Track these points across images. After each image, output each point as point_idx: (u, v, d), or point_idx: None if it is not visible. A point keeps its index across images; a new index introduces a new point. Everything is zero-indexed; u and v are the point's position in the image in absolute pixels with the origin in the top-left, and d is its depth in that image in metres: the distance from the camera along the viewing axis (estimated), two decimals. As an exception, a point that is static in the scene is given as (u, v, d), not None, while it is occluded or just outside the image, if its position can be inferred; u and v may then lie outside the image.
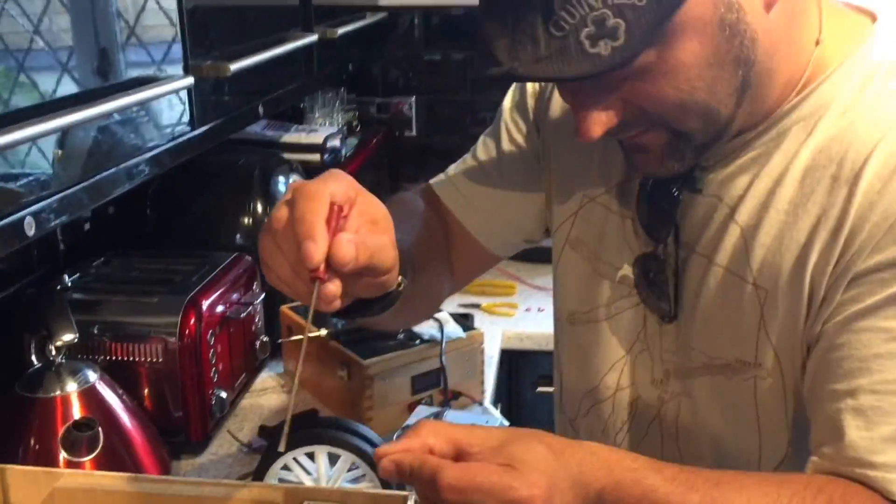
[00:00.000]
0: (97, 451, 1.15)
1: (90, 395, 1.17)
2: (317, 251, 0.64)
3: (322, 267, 0.64)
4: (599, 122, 0.73)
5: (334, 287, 0.66)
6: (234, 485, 1.06)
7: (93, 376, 1.19)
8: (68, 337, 1.13)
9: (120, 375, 1.28)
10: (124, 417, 1.22)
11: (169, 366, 1.30)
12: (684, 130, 0.74)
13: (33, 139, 0.75)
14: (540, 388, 1.83)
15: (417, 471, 0.70)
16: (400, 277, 0.76)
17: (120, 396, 1.23)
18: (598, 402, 0.95)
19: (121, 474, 1.06)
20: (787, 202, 0.77)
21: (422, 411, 1.33)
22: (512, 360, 1.85)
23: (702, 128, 0.74)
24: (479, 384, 1.51)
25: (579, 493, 0.71)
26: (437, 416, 1.30)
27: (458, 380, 1.46)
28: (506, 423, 1.34)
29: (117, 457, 1.18)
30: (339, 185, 0.68)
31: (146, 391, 1.32)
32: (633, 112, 0.74)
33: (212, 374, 1.33)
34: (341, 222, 0.67)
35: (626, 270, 0.88)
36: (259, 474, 1.10)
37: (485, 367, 1.52)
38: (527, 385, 1.87)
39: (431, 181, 1.04)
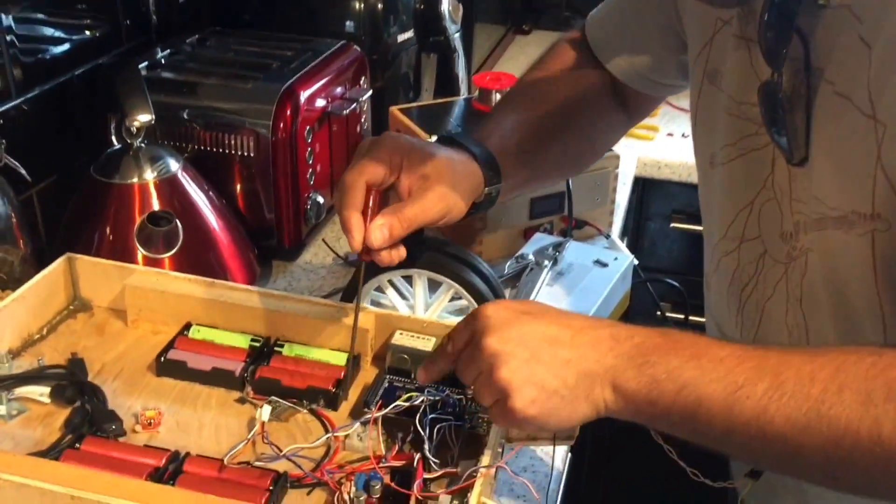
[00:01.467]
0: (176, 248, 1.04)
1: (170, 186, 1.05)
2: (354, 241, 0.78)
3: (362, 250, 0.79)
4: None
5: (385, 255, 0.79)
6: (321, 303, 0.93)
7: (174, 165, 1.06)
8: (144, 117, 0.99)
9: (209, 168, 1.16)
10: (209, 214, 1.10)
11: (261, 161, 1.16)
12: None
13: None
14: (674, 224, 1.63)
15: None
16: (486, 189, 0.86)
17: (205, 191, 1.11)
18: (725, 255, 0.83)
19: (197, 278, 0.95)
20: None
21: (540, 239, 1.17)
22: (646, 190, 1.64)
23: None
24: (608, 214, 1.32)
25: (615, 334, 0.66)
26: (557, 246, 1.13)
27: (583, 207, 1.28)
28: (634, 260, 1.16)
29: (199, 256, 1.06)
30: (377, 165, 0.78)
31: (237, 188, 1.19)
32: None
33: (308, 175, 1.18)
34: (377, 205, 0.79)
35: (753, 104, 0.76)
36: (349, 294, 0.96)
37: (616, 196, 1.33)
38: (660, 219, 1.67)
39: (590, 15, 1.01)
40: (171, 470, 0.75)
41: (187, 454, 0.77)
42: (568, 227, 1.22)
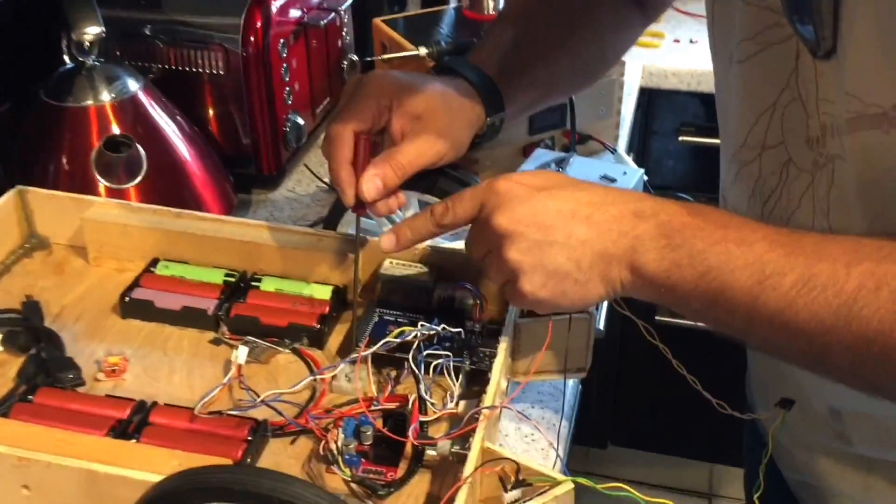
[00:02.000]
0: (140, 177, 0.94)
1: (130, 108, 0.94)
2: (346, 197, 0.72)
3: (357, 205, 0.72)
4: None
5: (381, 207, 0.73)
6: (300, 231, 0.84)
7: (134, 85, 0.96)
8: (93, 30, 0.89)
9: (176, 90, 1.05)
10: (176, 139, 1.00)
11: (233, 80, 1.05)
12: None
13: None
14: (683, 138, 1.53)
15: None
16: (488, 120, 0.79)
17: (172, 114, 1.00)
18: (744, 166, 0.74)
19: (164, 208, 0.85)
20: None
21: (541, 156, 1.07)
22: (651, 103, 1.54)
23: None
24: (613, 127, 1.22)
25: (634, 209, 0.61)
26: (560, 162, 1.04)
27: (587, 120, 1.17)
28: (644, 176, 1.06)
29: (167, 186, 0.97)
30: (364, 110, 0.72)
31: (209, 111, 1.09)
32: None
33: (285, 94, 1.08)
34: (367, 154, 0.72)
35: None
36: (332, 220, 0.87)
37: (621, 107, 1.22)
38: (667, 134, 1.57)
39: None
40: (135, 422, 0.67)
41: (154, 404, 0.69)
42: (571, 142, 1.12)
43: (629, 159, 1.18)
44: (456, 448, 0.64)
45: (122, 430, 0.66)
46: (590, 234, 0.60)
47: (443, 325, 0.71)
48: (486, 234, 0.63)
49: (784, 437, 0.82)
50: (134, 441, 0.65)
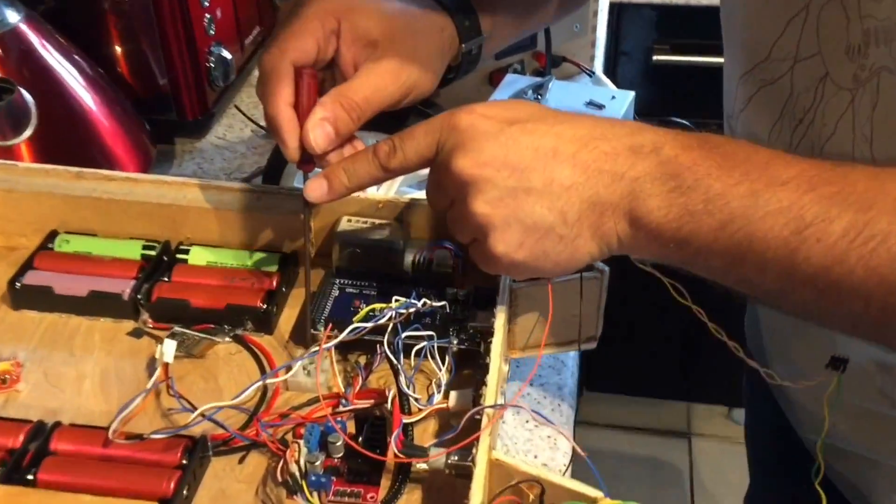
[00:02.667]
0: (29, 130, 0.76)
1: (11, 45, 0.76)
2: (288, 150, 0.56)
3: (302, 159, 0.56)
4: None
5: (333, 159, 0.56)
6: (234, 188, 0.68)
7: (13, 17, 0.78)
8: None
9: (75, 26, 0.87)
10: (76, 83, 0.82)
11: (141, 9, 0.87)
12: None
13: None
14: (657, 57, 1.38)
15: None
16: (462, 46, 0.64)
17: (68, 53, 0.82)
18: (766, 84, 0.61)
19: (59, 168, 0.68)
20: None
21: (513, 82, 0.91)
22: (621, 19, 1.39)
23: None
24: (589, 46, 1.07)
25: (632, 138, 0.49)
26: (538, 89, 0.88)
27: (559, 39, 1.02)
28: (628, 95, 0.91)
29: (67, 141, 0.79)
30: (304, 36, 0.57)
31: (116, 49, 0.90)
32: None
33: (205, 23, 0.90)
34: (313, 93, 0.56)
35: None
36: (273, 172, 0.71)
37: (597, 22, 1.07)
38: (638, 54, 1.42)
39: None
40: (31, 452, 0.51)
41: (57, 424, 0.53)
42: (547, 65, 0.97)
43: (610, 84, 1.03)
44: (454, 459, 0.49)
45: (12, 467, 0.50)
46: (576, 177, 0.48)
47: (424, 300, 0.56)
48: (446, 180, 0.50)
49: (802, 396, 0.70)
50: (28, 482, 0.49)
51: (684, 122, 0.97)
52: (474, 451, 0.47)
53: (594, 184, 0.47)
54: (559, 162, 0.48)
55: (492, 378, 0.51)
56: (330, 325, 0.56)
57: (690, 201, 0.46)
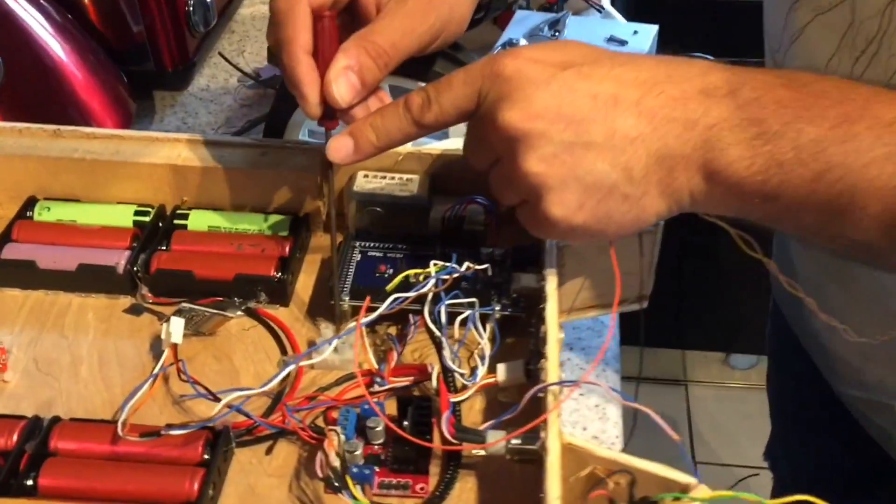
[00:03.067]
0: (-4, 86, 0.68)
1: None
2: (308, 105, 0.49)
3: (324, 115, 0.49)
4: None
5: (359, 114, 0.49)
6: (237, 143, 0.61)
7: (-31, -43, 0.69)
8: None
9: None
10: (42, 32, 0.73)
11: (110, -54, 0.78)
12: None
13: None
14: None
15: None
16: None
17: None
18: (822, 12, 0.55)
19: (36, 126, 0.61)
20: None
21: (524, 19, 0.84)
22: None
23: None
24: (594, -20, 0.99)
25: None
26: (554, 25, 0.81)
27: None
28: (651, 30, 0.85)
29: (36, 97, 0.71)
30: None
31: (84, -7, 0.81)
32: None
33: (183, -40, 0.82)
34: (333, 39, 0.48)
35: None
36: (275, 123, 0.64)
37: (603, -49, 0.99)
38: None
39: None
40: (29, 453, 0.44)
41: (56, 420, 0.46)
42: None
43: (621, 18, 0.96)
44: (516, 443, 0.44)
45: (8, 473, 0.43)
46: (641, 127, 0.42)
47: (467, 264, 0.50)
48: (490, 135, 0.44)
49: (844, 350, 0.66)
50: (27, 490, 0.43)
51: (708, 56, 0.91)
52: (543, 434, 0.42)
53: (663, 134, 0.42)
54: (621, 111, 0.42)
55: (551, 350, 0.45)
56: (367, 297, 0.49)
57: (778, 150, 0.40)
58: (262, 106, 0.85)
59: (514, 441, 0.44)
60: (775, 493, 0.41)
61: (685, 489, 0.39)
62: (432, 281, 0.48)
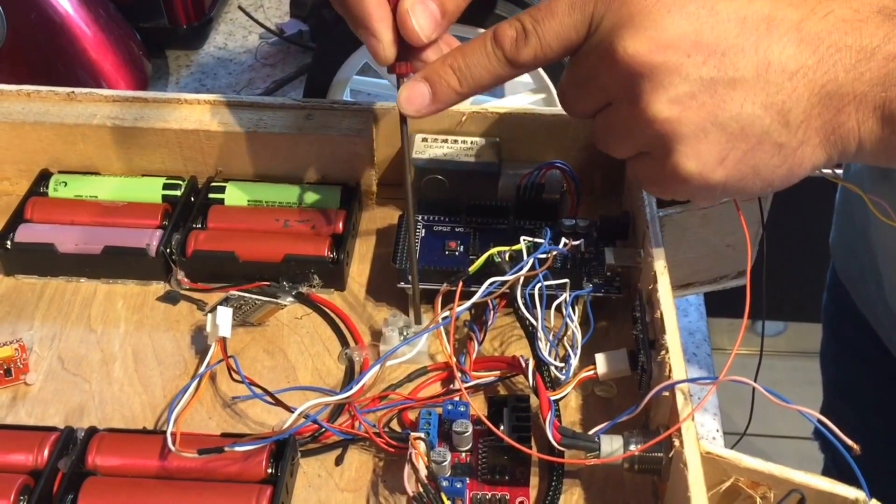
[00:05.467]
0: (-3, 45, 0.60)
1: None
2: (380, 42, 0.40)
3: (396, 58, 0.41)
4: None
5: (432, 53, 0.41)
6: (277, 104, 0.53)
7: None
8: None
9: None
10: (46, -17, 0.65)
11: None
12: None
13: None
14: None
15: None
16: None
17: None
18: None
19: (46, 89, 0.53)
20: None
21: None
22: None
23: None
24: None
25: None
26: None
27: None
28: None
29: (44, 57, 0.64)
30: None
31: (86, -59, 0.73)
32: None
33: None
34: None
35: None
36: (315, 84, 0.56)
37: None
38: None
39: None
40: (63, 474, 0.38)
41: (93, 431, 0.40)
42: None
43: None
44: (635, 445, 0.37)
45: (43, 496, 0.37)
46: (803, 58, 0.34)
47: (564, 240, 0.43)
48: (604, 73, 0.36)
49: None
50: (68, 520, 0.36)
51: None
52: (676, 442, 0.35)
53: (830, 66, 0.34)
54: (777, 36, 0.34)
55: (672, 339, 0.39)
56: (460, 282, 0.42)
57: None
58: (286, 65, 0.77)
59: (629, 446, 0.37)
60: (826, 474, 0.35)
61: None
62: (531, 261, 0.41)
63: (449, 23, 0.41)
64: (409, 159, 0.43)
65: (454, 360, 0.42)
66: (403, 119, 0.41)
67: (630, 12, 0.35)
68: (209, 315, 0.44)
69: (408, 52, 0.40)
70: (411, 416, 0.42)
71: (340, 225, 0.50)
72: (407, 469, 0.37)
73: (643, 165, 0.38)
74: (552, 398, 0.40)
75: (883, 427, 0.75)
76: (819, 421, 0.33)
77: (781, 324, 1.74)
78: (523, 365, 0.42)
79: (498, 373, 0.43)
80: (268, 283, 0.48)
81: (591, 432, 0.38)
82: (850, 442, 0.33)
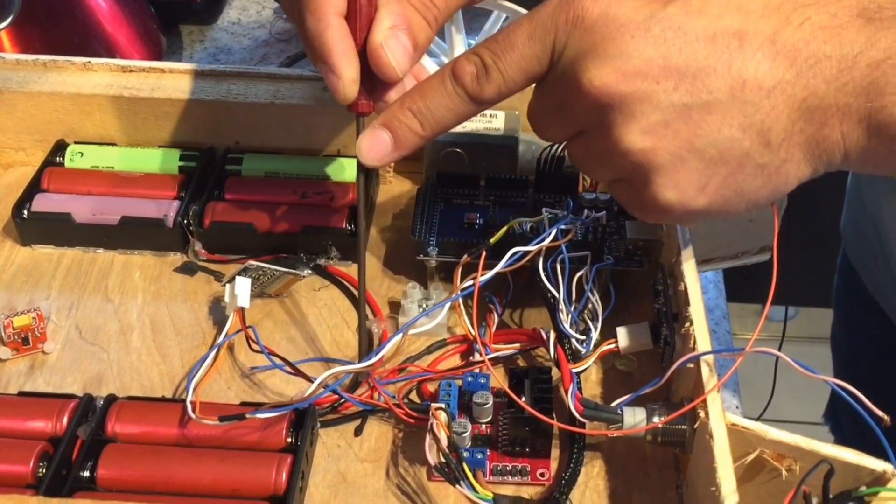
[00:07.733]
0: (12, 16, 0.60)
1: None
2: (344, 81, 0.38)
3: (359, 96, 0.39)
4: None
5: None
6: (294, 76, 0.53)
7: None
8: None
9: None
10: (60, -46, 0.65)
11: None
12: None
13: None
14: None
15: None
16: None
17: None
18: None
19: (62, 59, 0.53)
20: None
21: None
22: None
23: None
24: None
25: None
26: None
27: None
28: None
29: (58, 28, 0.63)
30: None
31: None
32: None
33: None
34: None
35: None
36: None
37: None
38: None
39: None
40: (82, 440, 0.38)
41: (112, 398, 0.40)
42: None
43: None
44: (659, 417, 0.37)
45: (60, 463, 0.37)
46: (780, 72, 0.32)
47: (586, 211, 0.43)
48: (572, 103, 0.34)
49: None
50: (85, 483, 0.36)
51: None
52: (702, 413, 0.35)
53: (810, 79, 0.32)
54: (751, 52, 0.32)
55: (696, 311, 0.38)
56: (483, 252, 0.42)
57: None
58: (300, 40, 0.77)
59: (653, 418, 0.37)
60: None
61: (881, 478, 0.33)
62: (553, 231, 0.41)
63: (420, 55, 0.39)
64: (363, 206, 0.41)
65: (476, 330, 0.42)
66: (362, 168, 0.40)
67: (593, 40, 0.33)
68: (227, 285, 0.43)
69: (372, 86, 0.38)
70: (430, 388, 0.42)
71: (355, 194, 0.49)
72: (428, 439, 0.37)
73: (623, 192, 0.36)
74: (573, 370, 0.40)
75: (893, 409, 0.75)
76: (848, 392, 0.33)
77: (793, 309, 1.73)
78: (544, 337, 0.41)
79: (518, 345, 0.43)
80: (285, 255, 0.48)
81: (613, 404, 0.38)
82: (880, 413, 0.33)
